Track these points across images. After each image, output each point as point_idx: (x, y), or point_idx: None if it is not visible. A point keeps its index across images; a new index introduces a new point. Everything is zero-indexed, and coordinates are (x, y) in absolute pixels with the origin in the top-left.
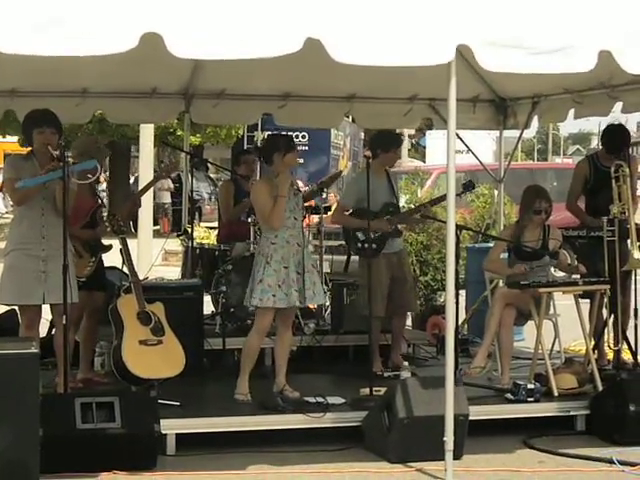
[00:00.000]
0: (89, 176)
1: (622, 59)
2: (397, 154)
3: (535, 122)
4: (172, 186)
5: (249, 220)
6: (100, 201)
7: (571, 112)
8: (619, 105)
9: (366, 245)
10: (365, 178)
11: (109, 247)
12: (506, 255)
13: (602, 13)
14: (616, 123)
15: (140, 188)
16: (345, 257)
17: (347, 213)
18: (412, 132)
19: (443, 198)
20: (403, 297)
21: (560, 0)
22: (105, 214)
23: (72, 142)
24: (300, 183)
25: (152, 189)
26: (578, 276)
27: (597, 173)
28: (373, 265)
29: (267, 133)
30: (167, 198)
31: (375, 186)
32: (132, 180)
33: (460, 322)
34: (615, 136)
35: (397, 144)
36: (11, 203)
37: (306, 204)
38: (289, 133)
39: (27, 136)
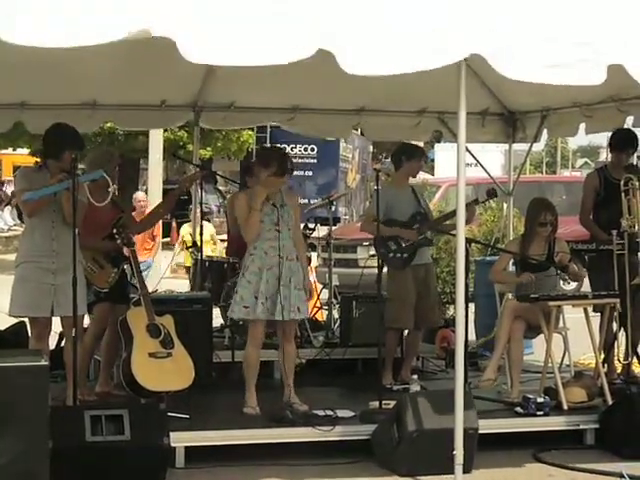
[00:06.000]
0: (109, 190)
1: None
2: (420, 164)
3: (544, 135)
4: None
5: None
6: (122, 212)
7: (582, 127)
8: (631, 120)
9: (397, 255)
10: (390, 190)
11: None
12: (513, 268)
13: (610, 24)
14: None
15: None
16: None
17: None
18: (420, 145)
19: (474, 203)
20: (426, 311)
21: (570, 13)
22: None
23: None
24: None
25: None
26: (588, 289)
27: (607, 185)
28: (401, 277)
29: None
30: None
31: (400, 197)
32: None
33: (478, 342)
34: (622, 135)
35: (420, 154)
36: (15, 216)
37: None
38: (298, 146)
39: (57, 150)
